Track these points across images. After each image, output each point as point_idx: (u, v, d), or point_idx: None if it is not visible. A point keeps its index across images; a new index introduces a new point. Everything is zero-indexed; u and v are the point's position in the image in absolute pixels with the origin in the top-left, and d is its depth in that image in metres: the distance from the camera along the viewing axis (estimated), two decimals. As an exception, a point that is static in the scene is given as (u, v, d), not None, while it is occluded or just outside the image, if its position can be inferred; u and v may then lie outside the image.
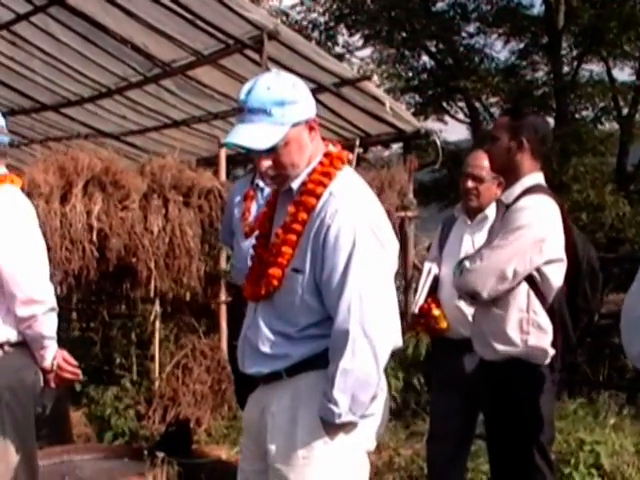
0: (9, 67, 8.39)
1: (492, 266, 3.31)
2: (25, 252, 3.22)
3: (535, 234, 3.31)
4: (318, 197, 2.54)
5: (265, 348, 2.57)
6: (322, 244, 2.48)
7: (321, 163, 2.61)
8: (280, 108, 2.48)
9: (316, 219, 2.51)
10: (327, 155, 2.63)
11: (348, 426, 2.47)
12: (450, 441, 4.19)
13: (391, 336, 2.54)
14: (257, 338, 2.60)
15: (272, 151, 2.52)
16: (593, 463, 4.99)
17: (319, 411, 2.46)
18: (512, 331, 3.42)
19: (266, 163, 2.55)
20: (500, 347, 3.43)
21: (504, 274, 3.30)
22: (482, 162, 4.08)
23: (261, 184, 4.88)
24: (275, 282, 2.55)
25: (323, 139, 2.69)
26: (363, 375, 2.43)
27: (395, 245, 2.67)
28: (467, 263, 3.35)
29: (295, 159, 2.56)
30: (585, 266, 3.58)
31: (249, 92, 2.51)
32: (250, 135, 2.49)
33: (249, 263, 2.79)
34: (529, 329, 3.42)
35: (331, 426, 2.45)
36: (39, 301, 3.20)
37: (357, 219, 2.48)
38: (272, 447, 2.54)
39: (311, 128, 2.58)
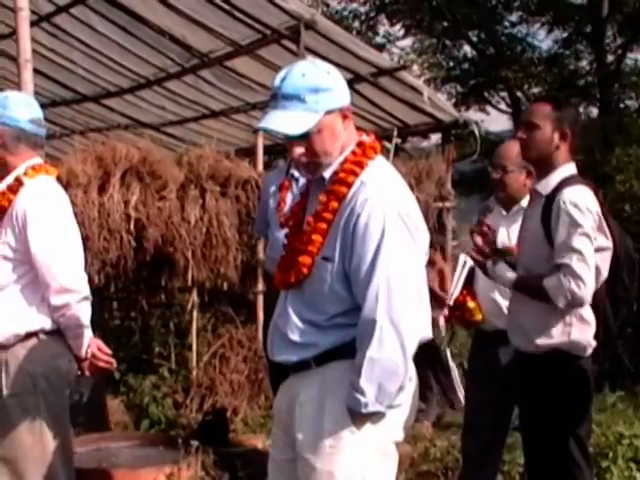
0: (50, 59, 8.47)
1: (590, 277, 3.29)
2: (59, 242, 3.25)
3: (591, 225, 3.31)
4: (349, 186, 2.53)
5: (294, 336, 2.57)
6: (352, 232, 2.47)
7: (353, 152, 2.59)
8: (314, 95, 2.48)
9: (347, 207, 2.50)
10: (360, 144, 2.61)
11: (375, 416, 2.46)
12: (484, 433, 4.16)
13: (419, 326, 2.52)
14: (286, 326, 2.60)
15: (305, 138, 2.51)
16: (632, 457, 4.96)
17: (346, 400, 2.45)
18: (555, 323, 3.39)
19: (299, 150, 2.54)
20: (542, 339, 3.41)
21: (594, 276, 3.34)
22: (507, 152, 4.04)
23: (296, 174, 4.86)
24: (305, 270, 2.54)
25: (357, 129, 2.67)
26: (390, 365, 2.41)
27: (426, 235, 2.64)
28: (575, 288, 3.27)
29: (328, 147, 2.55)
30: (623, 256, 3.54)
31: (284, 79, 2.51)
32: (283, 120, 2.49)
33: (282, 252, 2.79)
34: (572, 321, 3.39)
35: (358, 415, 2.44)
36: (73, 290, 3.23)
37: (387, 208, 2.46)
38: (300, 436, 2.54)
39: (345, 116, 2.56)
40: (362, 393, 2.40)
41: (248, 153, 7.71)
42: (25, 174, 3.32)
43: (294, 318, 2.58)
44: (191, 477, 4.33)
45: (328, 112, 2.50)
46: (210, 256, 6.30)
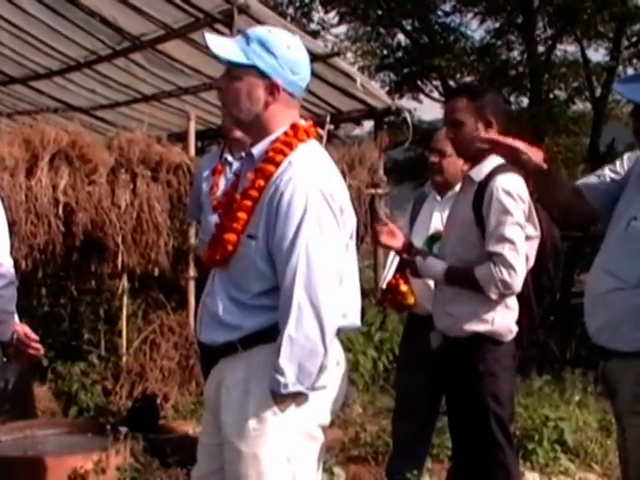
0: (-24, 39, 8.27)
1: (521, 266, 3.37)
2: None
3: (521, 214, 3.38)
4: (277, 165, 2.53)
5: (220, 313, 2.56)
6: (275, 210, 2.46)
7: (285, 133, 2.59)
8: (258, 47, 2.51)
9: (272, 186, 2.50)
10: (293, 126, 2.61)
11: (298, 398, 2.45)
12: (415, 417, 4.20)
13: (339, 308, 2.52)
14: (213, 305, 2.59)
15: (226, 77, 2.57)
16: (557, 439, 5.07)
17: (268, 382, 2.44)
18: (479, 309, 3.44)
19: (220, 84, 2.64)
20: (465, 324, 3.46)
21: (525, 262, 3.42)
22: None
23: (229, 158, 4.85)
24: (230, 247, 2.53)
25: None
26: (309, 344, 2.40)
27: (352, 218, 2.64)
28: (507, 277, 3.33)
29: (240, 102, 2.56)
30: (549, 246, 3.61)
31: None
32: (220, 41, 2.58)
33: (213, 231, 2.78)
34: (496, 307, 3.44)
35: (279, 397, 2.43)
36: (-3, 274, 3.15)
37: (310, 187, 2.46)
38: (225, 420, 2.53)
39: (272, 92, 2.55)
40: (282, 373, 2.39)
41: (180, 138, 7.64)
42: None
43: (221, 295, 2.57)
44: (120, 464, 4.27)
45: (256, 69, 2.52)
46: (141, 241, 6.22)
